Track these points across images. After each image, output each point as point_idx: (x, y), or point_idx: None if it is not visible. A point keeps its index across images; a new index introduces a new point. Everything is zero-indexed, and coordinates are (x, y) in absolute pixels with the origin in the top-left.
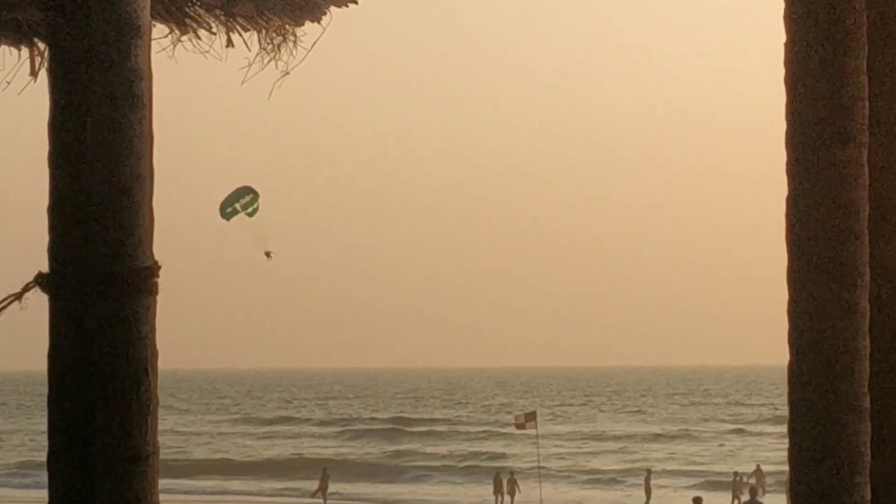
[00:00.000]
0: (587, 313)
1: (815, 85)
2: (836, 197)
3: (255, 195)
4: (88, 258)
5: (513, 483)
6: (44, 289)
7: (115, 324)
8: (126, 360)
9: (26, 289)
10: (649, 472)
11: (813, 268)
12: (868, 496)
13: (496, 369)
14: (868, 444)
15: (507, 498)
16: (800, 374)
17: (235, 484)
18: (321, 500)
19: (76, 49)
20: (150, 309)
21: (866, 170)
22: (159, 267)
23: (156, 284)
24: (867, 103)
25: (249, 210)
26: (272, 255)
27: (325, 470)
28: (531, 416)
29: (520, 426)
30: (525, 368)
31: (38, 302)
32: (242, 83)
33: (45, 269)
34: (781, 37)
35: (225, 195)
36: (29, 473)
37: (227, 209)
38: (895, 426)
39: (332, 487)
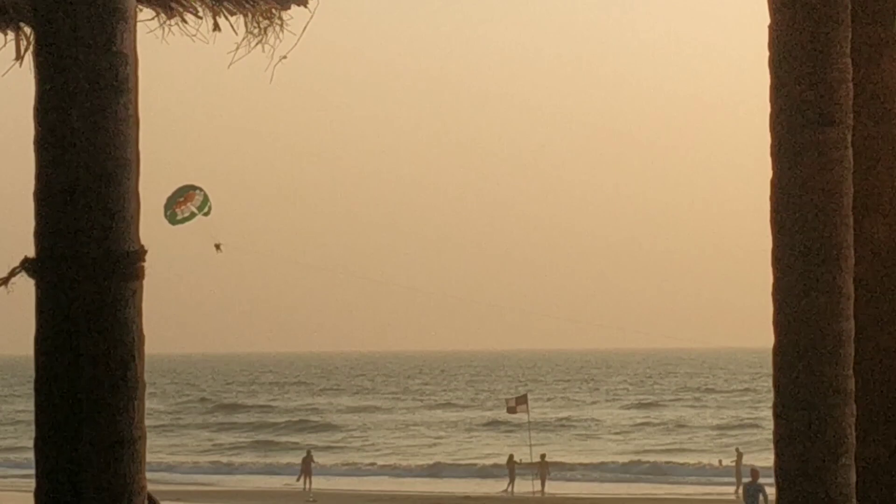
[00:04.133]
0: (577, 297)
1: (799, 67)
2: (820, 179)
3: (204, 192)
4: (75, 243)
5: (544, 466)
6: (30, 273)
7: (102, 308)
8: (113, 344)
9: (13, 273)
10: (739, 454)
11: (797, 250)
12: (853, 478)
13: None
14: (853, 426)
15: (533, 481)
16: (785, 356)
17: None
18: (305, 483)
19: (61, 33)
20: (137, 293)
21: (850, 152)
22: (146, 251)
23: (142, 269)
24: (851, 85)
25: (205, 210)
26: (221, 247)
27: (308, 452)
28: (522, 400)
29: (511, 409)
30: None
31: (25, 287)
32: (229, 66)
33: (32, 253)
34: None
35: (176, 187)
36: (14, 458)
37: (169, 211)
38: (880, 408)
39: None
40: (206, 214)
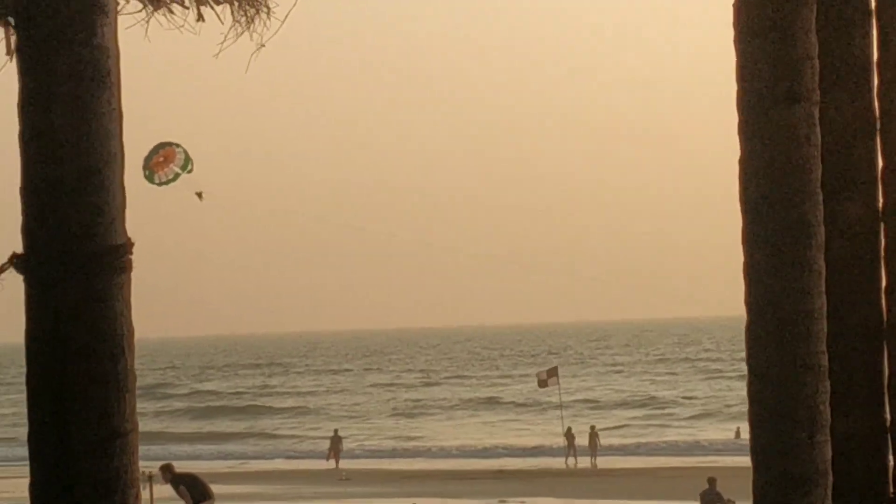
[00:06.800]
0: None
1: (763, 45)
2: (788, 156)
3: (184, 149)
4: (62, 238)
5: (594, 436)
6: (19, 269)
7: (90, 302)
8: (102, 337)
9: (1, 269)
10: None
11: (767, 228)
12: (829, 454)
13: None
14: (828, 403)
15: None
16: (757, 334)
17: None
18: (333, 462)
19: (43, 28)
20: (125, 286)
21: (818, 128)
22: (132, 244)
23: (129, 262)
24: (817, 62)
25: (189, 168)
26: (203, 195)
27: (336, 432)
28: (553, 372)
29: (542, 382)
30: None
31: (14, 282)
32: (216, 55)
33: (20, 249)
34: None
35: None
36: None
37: (147, 171)
38: (855, 385)
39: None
40: (189, 172)
